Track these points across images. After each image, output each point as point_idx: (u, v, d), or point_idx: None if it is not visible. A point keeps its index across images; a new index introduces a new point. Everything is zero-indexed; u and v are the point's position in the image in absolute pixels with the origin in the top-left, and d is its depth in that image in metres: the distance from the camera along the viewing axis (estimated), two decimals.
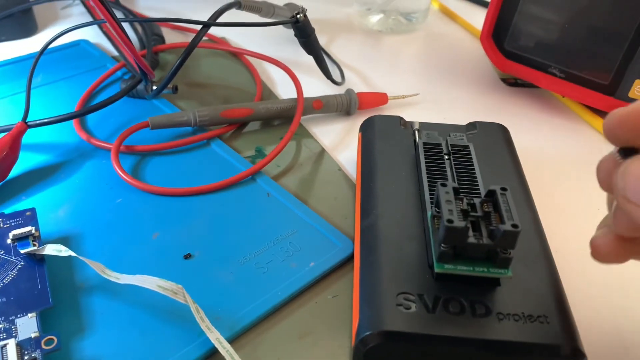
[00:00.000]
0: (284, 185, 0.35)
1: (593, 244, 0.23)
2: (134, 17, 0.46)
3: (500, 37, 0.44)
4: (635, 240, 0.22)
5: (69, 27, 0.38)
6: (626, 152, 0.20)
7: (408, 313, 0.23)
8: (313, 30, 0.37)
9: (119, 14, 0.54)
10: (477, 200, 0.25)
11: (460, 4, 0.60)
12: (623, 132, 0.20)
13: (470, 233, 0.23)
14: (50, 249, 0.27)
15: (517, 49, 0.44)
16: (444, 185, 0.25)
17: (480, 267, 0.24)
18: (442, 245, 0.24)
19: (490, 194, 0.25)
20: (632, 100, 0.40)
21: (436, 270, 0.24)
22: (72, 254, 0.27)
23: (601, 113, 0.42)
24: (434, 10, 0.59)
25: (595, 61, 0.41)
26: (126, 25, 0.50)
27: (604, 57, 0.40)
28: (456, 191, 0.25)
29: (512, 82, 0.47)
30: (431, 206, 0.27)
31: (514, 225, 0.23)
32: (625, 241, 0.22)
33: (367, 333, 0.23)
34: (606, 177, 0.21)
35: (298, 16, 0.36)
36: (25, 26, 0.50)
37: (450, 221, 0.23)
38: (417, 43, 0.53)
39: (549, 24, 0.42)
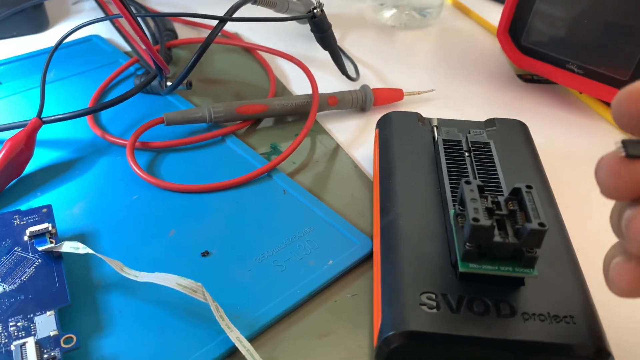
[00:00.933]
0: (300, 182, 0.35)
1: (610, 277, 0.19)
2: (146, 12, 0.46)
3: (516, 32, 0.43)
4: None
5: (82, 22, 0.37)
6: (630, 145, 0.18)
7: (432, 313, 0.23)
8: (330, 25, 0.37)
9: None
10: (501, 199, 0.24)
11: None
12: (633, 111, 0.17)
13: (496, 232, 0.23)
14: (68, 247, 0.27)
15: (534, 44, 0.43)
16: (468, 182, 0.24)
17: (505, 267, 0.24)
18: (467, 244, 0.23)
19: (516, 192, 0.24)
20: None
21: (460, 269, 0.24)
22: (90, 251, 0.27)
23: None
24: (448, 6, 0.58)
25: (615, 56, 0.40)
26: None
27: (624, 52, 0.39)
28: (481, 189, 0.24)
29: (529, 78, 0.46)
30: (454, 204, 0.26)
31: (541, 224, 0.22)
32: None
33: (391, 333, 0.23)
34: (608, 178, 0.18)
35: (315, 11, 0.35)
36: (37, 22, 0.50)
37: (476, 220, 0.22)
38: (431, 38, 0.52)
39: (567, 19, 0.41)
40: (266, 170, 0.34)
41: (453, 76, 0.46)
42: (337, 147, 0.38)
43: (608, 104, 0.42)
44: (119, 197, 0.32)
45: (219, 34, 0.49)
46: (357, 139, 0.39)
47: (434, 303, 0.23)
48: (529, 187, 0.24)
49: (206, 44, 0.33)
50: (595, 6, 0.39)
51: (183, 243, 0.30)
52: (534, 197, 0.24)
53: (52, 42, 0.48)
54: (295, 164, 0.36)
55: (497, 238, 0.23)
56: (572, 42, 0.41)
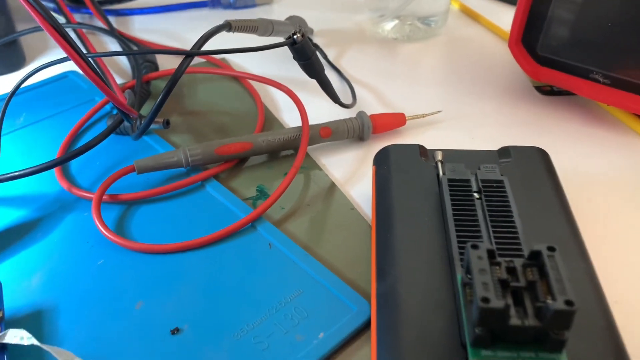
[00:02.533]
0: (289, 233, 0.30)
1: None
2: (128, 49, 0.42)
3: (531, 41, 0.39)
4: None
5: (48, 61, 0.34)
6: None
7: None
8: (314, 51, 0.32)
9: (110, 40, 0.51)
10: (518, 263, 0.20)
11: (483, 2, 0.55)
12: None
13: (512, 311, 0.18)
14: (12, 337, 0.23)
15: (552, 53, 0.38)
16: (475, 247, 0.20)
17: (526, 353, 0.19)
18: (476, 328, 0.19)
19: (535, 255, 0.20)
20: None
21: (471, 358, 0.19)
22: (35, 342, 0.23)
23: None
24: (455, 12, 0.53)
25: None
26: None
27: None
28: (491, 254, 0.20)
29: (548, 90, 0.41)
30: (461, 268, 0.22)
31: (568, 302, 0.18)
32: None
33: None
34: None
35: (295, 37, 0.31)
36: (12, 59, 0.46)
37: (485, 300, 0.18)
38: (437, 50, 0.48)
39: (589, 23, 0.36)
40: (249, 221, 0.30)
41: (463, 93, 0.42)
42: (333, 186, 0.34)
43: (639, 116, 0.37)
44: (82, 263, 0.29)
45: (204, 60, 0.45)
46: (355, 174, 0.35)
47: None
48: (551, 249, 0.19)
49: (173, 81, 0.29)
50: (621, 6, 0.34)
51: (151, 318, 0.26)
52: (557, 262, 0.19)
53: (29, 81, 0.44)
54: (284, 210, 0.32)
55: (514, 320, 0.18)
56: (595, 49, 0.36)
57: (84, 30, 0.48)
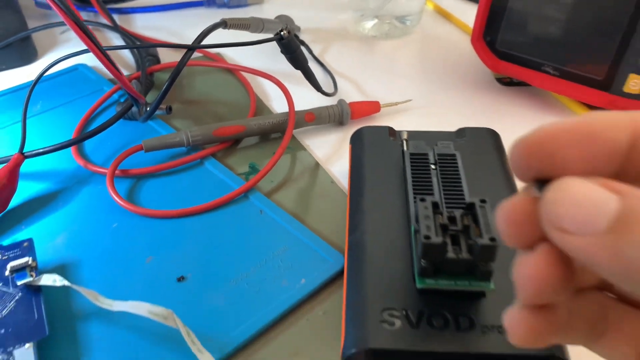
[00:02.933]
0: (278, 201, 0.35)
1: (505, 326, 0.18)
2: (132, 43, 0.47)
3: (491, 37, 0.44)
4: (552, 311, 0.17)
5: (64, 55, 0.38)
6: (543, 183, 0.16)
7: (392, 329, 0.24)
8: (298, 45, 0.37)
9: (114, 35, 0.55)
10: (457, 213, 0.25)
11: (455, 2, 0.60)
12: (536, 161, 0.16)
13: (450, 248, 0.24)
14: (46, 280, 0.28)
15: (509, 48, 0.43)
16: (423, 200, 0.25)
17: (461, 281, 0.24)
18: (422, 260, 0.24)
19: (470, 206, 0.25)
20: (628, 95, 0.39)
21: (418, 285, 0.24)
22: (67, 283, 0.28)
23: (597, 109, 0.42)
24: (429, 11, 0.59)
25: (589, 56, 0.40)
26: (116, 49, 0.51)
27: (597, 51, 0.40)
28: (435, 205, 0.25)
29: (508, 82, 0.47)
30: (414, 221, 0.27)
31: (492, 239, 0.23)
32: (541, 312, 0.17)
33: (353, 351, 0.23)
34: (520, 223, 0.17)
35: (282, 33, 0.36)
36: (25, 53, 0.51)
37: (427, 237, 0.23)
38: (412, 46, 0.53)
39: (540, 22, 0.41)
40: (242, 192, 0.35)
41: (432, 84, 0.47)
42: (316, 164, 0.39)
43: (586, 104, 0.42)
44: (99, 227, 0.33)
45: (201, 55, 0.50)
46: (335, 153, 0.40)
47: (394, 320, 0.24)
48: (482, 201, 0.25)
49: (176, 70, 0.34)
50: (568, 7, 0.40)
51: (159, 269, 0.31)
52: (487, 211, 0.24)
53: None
54: (273, 183, 0.37)
55: (451, 254, 0.23)
56: (546, 44, 0.42)
57: (90, 27, 0.53)
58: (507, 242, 0.17)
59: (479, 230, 0.24)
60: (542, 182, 0.16)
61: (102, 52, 0.31)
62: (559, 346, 0.23)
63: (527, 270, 0.16)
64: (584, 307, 0.19)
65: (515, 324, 0.17)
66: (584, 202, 0.15)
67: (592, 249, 0.14)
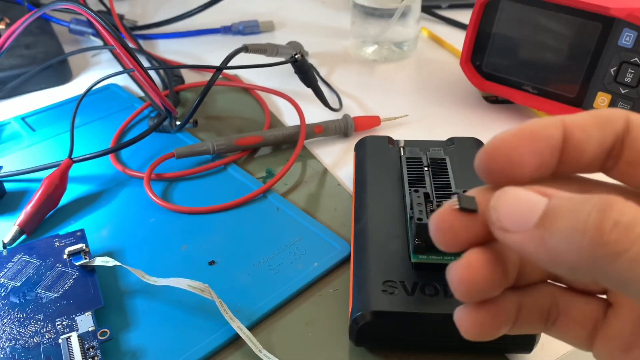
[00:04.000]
0: (291, 200, 0.41)
1: (458, 324, 0.20)
2: (158, 65, 0.53)
3: (478, 60, 0.50)
4: (495, 305, 0.20)
5: (104, 75, 0.44)
6: (464, 200, 0.19)
7: (391, 296, 0.29)
8: (310, 67, 0.43)
9: (142, 59, 0.61)
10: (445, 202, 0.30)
11: (448, 29, 0.66)
12: (496, 163, 0.20)
13: None
14: (99, 261, 0.33)
15: (494, 70, 0.49)
16: (416, 191, 0.30)
17: (449, 256, 0.29)
18: (416, 239, 0.29)
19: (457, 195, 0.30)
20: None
21: (412, 260, 0.30)
22: (118, 263, 0.33)
23: None
24: (424, 38, 0.65)
25: (563, 77, 0.46)
26: (150, 70, 0.56)
27: (570, 72, 0.46)
28: (427, 196, 0.30)
29: (493, 100, 0.52)
30: (409, 209, 0.32)
31: None
32: (484, 308, 0.20)
33: (359, 313, 0.28)
34: (442, 233, 0.19)
35: (297, 56, 0.42)
36: (62, 74, 0.57)
37: (420, 219, 0.28)
38: (408, 69, 0.59)
39: (521, 46, 0.47)
40: (262, 192, 0.40)
41: (426, 101, 0.53)
42: (324, 169, 0.44)
43: None
44: (138, 221, 0.39)
45: (221, 77, 0.56)
46: (340, 161, 0.45)
47: (393, 289, 0.29)
48: (465, 191, 0.30)
49: (207, 88, 0.40)
50: (543, 35, 0.46)
51: (193, 255, 0.36)
52: None
53: (75, 92, 0.55)
54: (287, 185, 0.42)
55: None
56: (526, 66, 0.47)
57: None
58: (440, 247, 0.20)
59: None
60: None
61: (144, 70, 0.37)
62: None
63: (456, 274, 0.19)
64: (535, 299, 0.21)
65: (462, 320, 0.20)
66: (519, 205, 0.18)
67: (525, 242, 0.17)
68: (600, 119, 0.20)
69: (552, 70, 0.46)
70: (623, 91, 0.44)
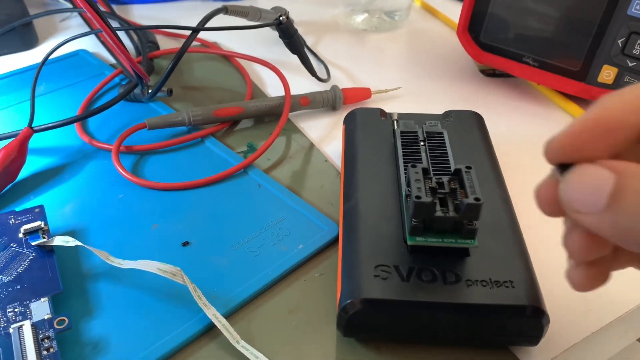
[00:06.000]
0: (275, 177, 0.37)
1: (571, 281, 0.23)
2: (128, 26, 0.49)
3: (475, 30, 0.46)
4: (602, 261, 0.22)
5: (68, 37, 0.40)
6: (564, 167, 0.20)
7: (384, 282, 0.26)
8: (296, 31, 0.40)
9: (114, 24, 0.57)
10: (445, 179, 0.27)
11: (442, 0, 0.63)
12: (567, 157, 0.20)
13: (438, 207, 0.26)
14: (59, 240, 0.30)
15: (492, 40, 0.46)
16: (414, 166, 0.27)
17: (448, 239, 0.26)
18: (413, 219, 0.26)
19: (457, 172, 0.27)
20: (601, 84, 0.42)
21: (408, 242, 0.26)
22: (79, 243, 0.29)
23: (574, 98, 0.44)
24: (416, 7, 0.61)
25: (566, 49, 0.43)
26: (122, 34, 0.52)
27: (574, 44, 0.42)
28: (425, 171, 0.27)
29: (490, 73, 0.49)
30: (405, 186, 0.29)
31: (477, 199, 0.25)
32: (595, 265, 0.22)
33: (348, 301, 0.25)
34: (549, 202, 0.21)
35: (281, 18, 0.38)
36: (26, 39, 0.53)
37: (418, 197, 0.25)
38: (400, 40, 0.55)
39: (521, 16, 0.44)
40: (242, 167, 0.37)
41: (420, 74, 0.49)
42: (310, 144, 0.41)
43: (563, 93, 0.45)
44: (106, 197, 0.35)
45: (199, 43, 0.52)
46: (328, 135, 0.42)
47: (386, 274, 0.26)
48: (468, 167, 0.27)
49: (181, 52, 0.36)
50: (547, 3, 0.42)
51: (165, 235, 0.33)
52: (472, 176, 0.26)
53: (41, 58, 0.51)
54: (271, 161, 0.39)
55: (439, 213, 0.26)
56: (526, 37, 0.44)
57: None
58: (544, 213, 0.22)
59: (465, 192, 0.26)
60: (563, 166, 0.20)
61: (112, 31, 0.33)
62: (535, 296, 0.25)
63: (572, 243, 0.21)
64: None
65: (577, 278, 0.23)
66: (587, 186, 0.18)
67: (598, 224, 0.18)
68: None
69: (554, 42, 0.43)
70: (631, 64, 0.41)
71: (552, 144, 0.20)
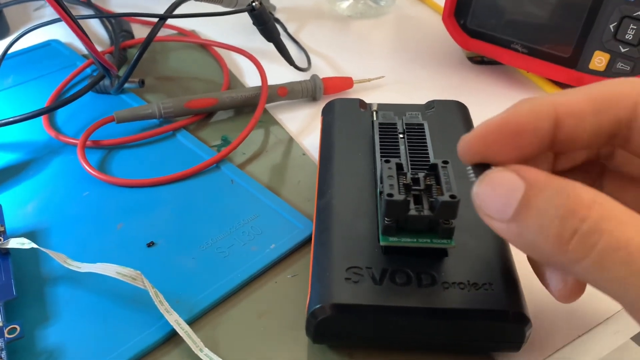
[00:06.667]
0: (250, 173, 0.36)
1: (553, 295, 0.23)
2: (99, 13, 0.47)
3: (462, 15, 0.44)
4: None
5: (33, 25, 0.38)
6: (479, 168, 0.20)
7: (356, 286, 0.24)
8: (270, 17, 0.38)
9: (88, 12, 0.55)
10: (421, 175, 0.25)
11: None
12: (474, 156, 0.20)
13: (412, 206, 0.24)
14: (14, 243, 0.28)
15: (479, 26, 0.44)
16: (387, 161, 0.25)
17: (423, 239, 0.25)
18: (386, 218, 0.24)
19: (433, 167, 0.25)
20: (593, 71, 0.40)
21: (381, 243, 0.25)
22: (35, 246, 0.28)
23: (564, 86, 0.43)
24: None
25: (556, 34, 0.41)
26: (97, 23, 0.50)
27: (564, 30, 0.40)
28: (399, 167, 0.25)
29: (479, 60, 0.47)
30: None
31: (452, 196, 0.23)
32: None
33: (317, 306, 0.24)
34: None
35: (254, 4, 0.36)
36: None
37: (390, 195, 0.24)
38: (385, 26, 0.53)
39: (510, 1, 0.42)
40: (214, 162, 0.35)
41: (405, 62, 0.47)
42: (288, 137, 0.39)
43: (554, 81, 0.43)
44: (70, 195, 0.33)
45: (175, 32, 0.50)
46: (307, 127, 0.40)
47: (358, 277, 0.24)
48: (445, 162, 0.25)
49: (147, 40, 0.34)
50: None
51: (130, 235, 0.31)
52: (449, 171, 0.25)
53: (12, 49, 0.49)
54: (246, 155, 0.37)
55: (413, 211, 0.24)
56: (515, 23, 0.42)
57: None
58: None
59: (441, 189, 0.24)
60: (477, 166, 0.20)
61: (74, 21, 0.31)
62: (516, 300, 0.24)
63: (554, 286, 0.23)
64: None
65: (558, 292, 0.23)
66: (498, 193, 0.18)
67: (505, 232, 0.19)
68: (599, 104, 0.19)
69: (544, 27, 0.41)
70: (623, 50, 0.39)
71: (461, 144, 0.21)
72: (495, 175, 0.19)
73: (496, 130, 0.20)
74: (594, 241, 0.16)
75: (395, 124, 0.32)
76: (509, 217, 0.18)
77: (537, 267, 0.24)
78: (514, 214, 0.18)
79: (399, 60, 0.48)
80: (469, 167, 0.21)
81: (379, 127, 0.32)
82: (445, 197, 0.23)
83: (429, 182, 0.25)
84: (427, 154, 0.30)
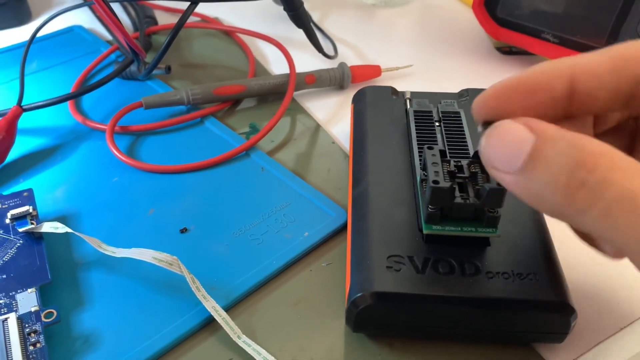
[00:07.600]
0: (279, 160, 0.35)
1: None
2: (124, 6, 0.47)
3: (492, 4, 0.44)
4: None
5: (58, 10, 0.38)
6: (489, 125, 0.20)
7: (397, 274, 0.24)
8: (301, 3, 0.37)
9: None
10: (464, 162, 0.25)
11: None
12: (487, 114, 0.20)
13: (457, 193, 0.24)
14: (48, 227, 0.28)
15: (510, 15, 0.43)
16: (430, 148, 0.25)
17: (468, 227, 0.24)
18: (430, 206, 0.24)
19: (477, 155, 0.25)
20: None
21: (424, 231, 0.24)
22: (69, 230, 0.27)
23: None
24: None
25: (589, 24, 0.40)
26: (118, 9, 0.50)
27: (597, 19, 0.40)
28: (443, 154, 0.25)
29: (507, 51, 0.47)
30: (420, 170, 0.27)
31: (499, 184, 0.23)
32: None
33: (358, 295, 0.23)
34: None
35: None
36: (19, 14, 0.50)
37: (436, 182, 0.23)
38: (411, 15, 0.53)
39: None
40: (244, 149, 0.35)
41: (432, 51, 0.47)
42: (316, 125, 0.38)
43: None
44: (99, 180, 0.33)
45: (199, 19, 0.50)
46: (335, 115, 0.39)
47: (400, 265, 0.24)
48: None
49: (178, 25, 0.34)
50: None
51: (162, 221, 0.30)
52: None
53: (38, 33, 0.48)
54: (274, 142, 0.37)
55: (458, 199, 0.23)
56: (547, 12, 0.42)
57: None
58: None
59: (486, 177, 0.24)
60: (487, 124, 0.20)
61: (105, 4, 0.31)
62: (562, 290, 0.23)
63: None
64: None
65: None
66: (506, 144, 0.18)
67: (513, 184, 0.18)
68: (617, 63, 0.19)
69: (576, 17, 0.41)
70: None
71: (476, 101, 0.21)
72: (504, 127, 0.19)
73: (511, 88, 0.20)
74: (601, 192, 0.16)
75: (430, 111, 0.32)
76: (517, 168, 0.18)
77: (586, 235, 0.23)
78: (523, 166, 0.18)
79: (426, 49, 0.47)
80: (480, 126, 0.21)
81: (414, 115, 0.31)
82: (493, 185, 0.23)
83: (473, 170, 0.24)
84: (465, 141, 0.29)
